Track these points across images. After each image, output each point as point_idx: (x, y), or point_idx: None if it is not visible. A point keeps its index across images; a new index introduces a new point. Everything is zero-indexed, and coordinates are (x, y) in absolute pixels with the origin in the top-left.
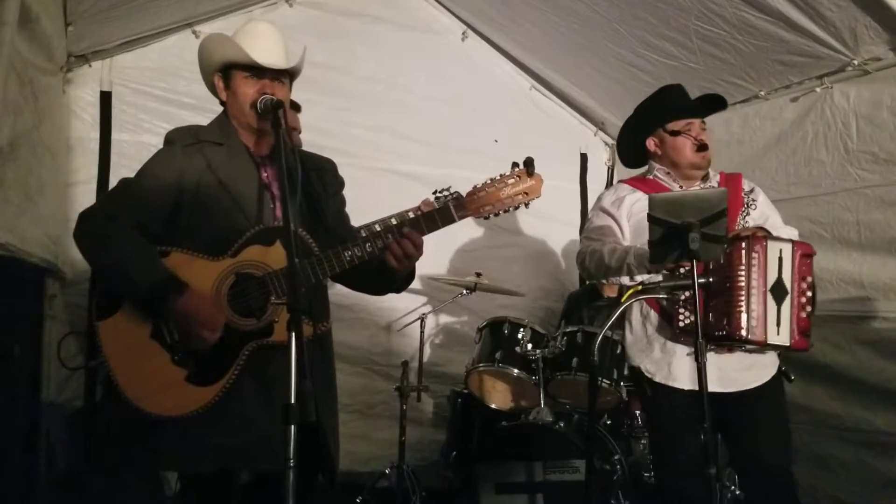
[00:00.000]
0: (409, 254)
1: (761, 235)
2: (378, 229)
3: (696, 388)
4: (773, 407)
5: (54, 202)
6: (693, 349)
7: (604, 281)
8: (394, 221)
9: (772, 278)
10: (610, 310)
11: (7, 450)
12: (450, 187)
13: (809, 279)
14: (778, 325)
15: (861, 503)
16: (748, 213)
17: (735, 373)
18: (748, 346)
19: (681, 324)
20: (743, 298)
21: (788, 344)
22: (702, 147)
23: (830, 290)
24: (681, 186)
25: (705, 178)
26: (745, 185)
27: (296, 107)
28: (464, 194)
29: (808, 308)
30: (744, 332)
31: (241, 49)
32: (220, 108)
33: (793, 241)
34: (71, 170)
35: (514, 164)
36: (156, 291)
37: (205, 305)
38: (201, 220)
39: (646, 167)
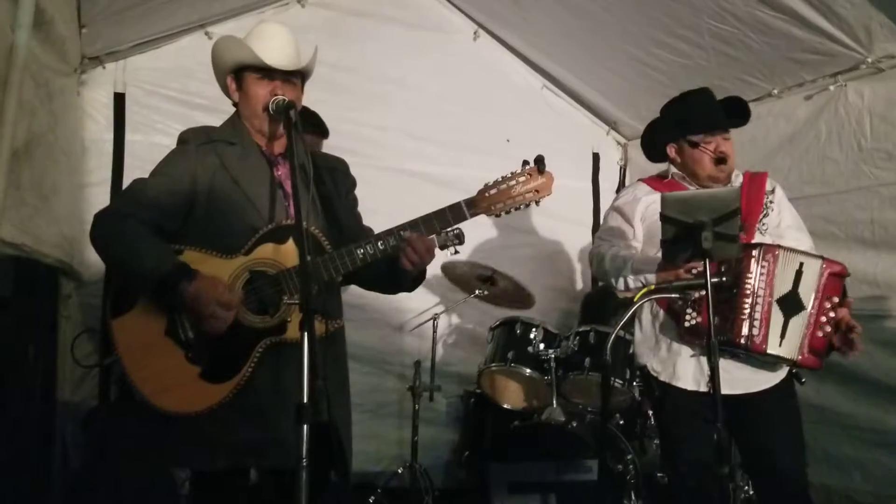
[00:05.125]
0: (423, 257)
1: (775, 245)
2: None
3: (700, 389)
4: (785, 409)
5: (69, 203)
6: (697, 350)
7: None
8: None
9: (783, 289)
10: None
11: (22, 449)
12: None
13: (836, 299)
14: (782, 336)
15: (874, 503)
16: (766, 216)
17: (742, 375)
18: (751, 354)
19: (686, 324)
20: (747, 305)
21: (793, 358)
22: (720, 160)
23: None
24: None
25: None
26: (768, 185)
27: (324, 131)
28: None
29: (828, 328)
30: (743, 340)
31: (252, 51)
32: (233, 109)
33: (823, 258)
34: (85, 171)
35: (525, 162)
36: (168, 278)
37: (218, 284)
38: (215, 218)
39: (666, 165)
